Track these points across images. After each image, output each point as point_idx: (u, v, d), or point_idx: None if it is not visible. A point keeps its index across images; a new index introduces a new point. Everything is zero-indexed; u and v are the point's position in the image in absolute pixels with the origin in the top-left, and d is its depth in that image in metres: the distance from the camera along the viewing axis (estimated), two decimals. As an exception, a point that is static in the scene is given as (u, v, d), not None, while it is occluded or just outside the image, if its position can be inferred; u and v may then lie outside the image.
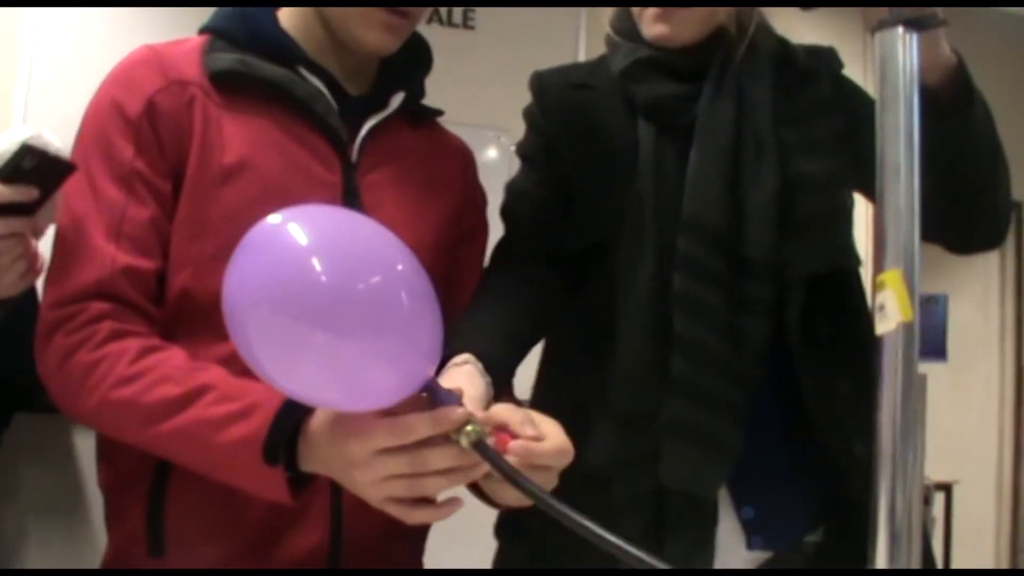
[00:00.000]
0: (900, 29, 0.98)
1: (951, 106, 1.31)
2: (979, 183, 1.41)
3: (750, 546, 1.43)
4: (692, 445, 1.37)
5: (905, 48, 0.98)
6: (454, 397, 1.06)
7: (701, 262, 1.40)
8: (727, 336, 1.39)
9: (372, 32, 1.40)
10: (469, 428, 1.03)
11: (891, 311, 0.94)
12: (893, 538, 0.93)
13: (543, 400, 1.44)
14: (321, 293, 0.97)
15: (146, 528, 1.33)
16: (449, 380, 1.18)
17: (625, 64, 1.53)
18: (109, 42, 4.68)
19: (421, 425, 1.05)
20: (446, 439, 1.05)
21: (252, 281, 1.01)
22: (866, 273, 4.56)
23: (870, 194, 1.52)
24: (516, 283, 1.47)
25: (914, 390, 0.94)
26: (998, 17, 6.02)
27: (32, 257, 1.38)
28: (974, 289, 6.86)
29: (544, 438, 1.14)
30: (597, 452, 1.39)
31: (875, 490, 0.94)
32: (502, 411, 1.16)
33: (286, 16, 1.46)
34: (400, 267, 1.03)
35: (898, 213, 0.96)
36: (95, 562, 3.43)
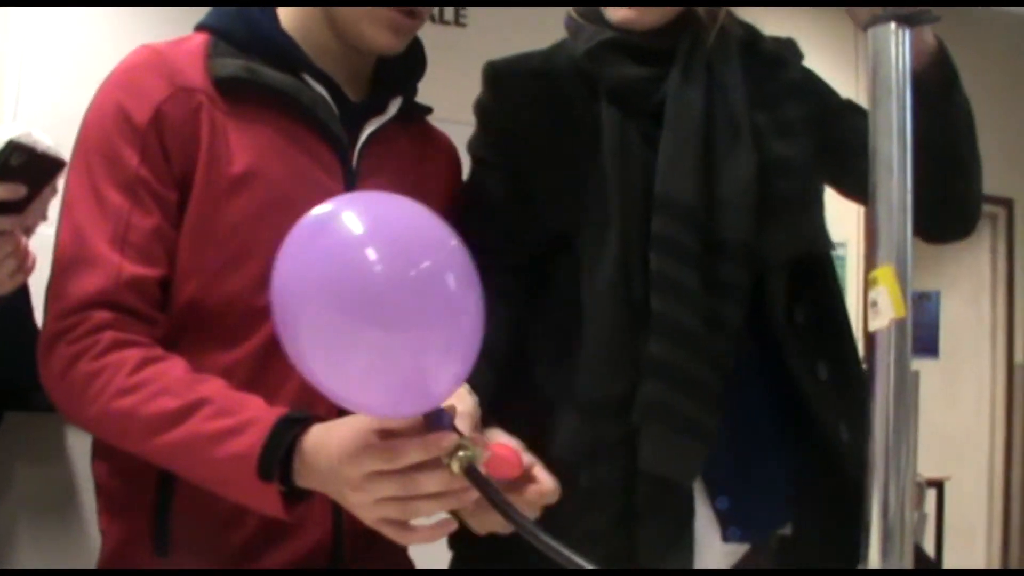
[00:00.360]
0: (892, 25, 0.98)
1: (935, 89, 1.32)
2: (958, 167, 1.42)
3: (726, 538, 1.41)
4: (672, 428, 1.34)
5: (898, 44, 0.98)
6: (448, 417, 1.06)
7: (676, 241, 1.38)
8: (703, 319, 1.37)
9: (382, 32, 1.40)
10: (461, 453, 1.02)
11: (884, 307, 0.94)
12: (886, 534, 0.94)
13: (505, 400, 1.38)
14: (375, 284, 0.95)
15: (152, 526, 1.32)
16: None
17: (589, 46, 1.49)
18: (101, 38, 4.68)
19: (412, 450, 1.05)
20: (439, 463, 1.04)
21: (305, 274, 0.99)
22: (857, 266, 4.55)
23: (834, 183, 1.54)
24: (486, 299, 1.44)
25: (907, 386, 0.94)
26: (997, 16, 6.03)
27: (22, 256, 1.37)
28: (966, 286, 6.88)
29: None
30: (563, 444, 1.37)
31: (868, 486, 0.94)
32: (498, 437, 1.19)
33: (287, 16, 1.44)
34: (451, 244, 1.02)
35: (890, 209, 0.96)
36: (88, 560, 3.40)
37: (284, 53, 1.40)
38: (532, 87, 1.52)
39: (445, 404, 1.07)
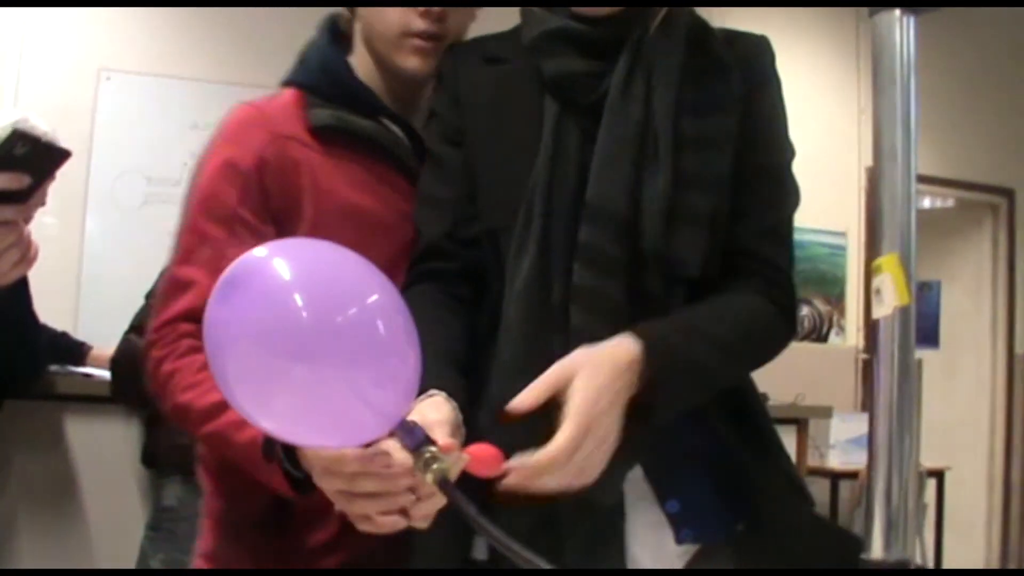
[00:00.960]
0: (897, 12, 0.97)
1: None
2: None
3: (679, 540, 1.39)
4: None
5: (902, 31, 0.97)
6: (418, 431, 1.06)
7: (602, 251, 1.35)
8: (624, 330, 1.31)
9: (409, 59, 1.56)
10: (436, 466, 1.03)
11: (888, 295, 0.93)
12: (888, 524, 0.93)
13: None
14: (301, 328, 0.97)
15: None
16: (417, 412, 1.16)
17: (533, 36, 1.46)
18: (100, 26, 4.67)
19: (353, 463, 1.13)
20: (411, 473, 1.08)
21: (233, 319, 1.01)
22: (857, 256, 4.53)
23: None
24: (444, 308, 1.44)
25: (910, 375, 0.93)
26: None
27: (25, 246, 1.37)
28: (967, 276, 6.88)
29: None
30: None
31: (871, 475, 0.93)
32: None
33: (358, 64, 1.63)
34: (376, 298, 1.03)
35: (894, 197, 0.95)
36: (86, 546, 3.42)
37: (364, 100, 1.59)
38: (484, 75, 1.50)
39: (418, 417, 1.11)
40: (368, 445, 1.11)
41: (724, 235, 1.41)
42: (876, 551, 0.94)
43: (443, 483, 1.03)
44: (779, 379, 5.76)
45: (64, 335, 3.88)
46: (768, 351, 1.45)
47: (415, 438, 1.05)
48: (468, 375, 1.37)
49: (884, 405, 0.94)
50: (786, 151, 1.48)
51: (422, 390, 1.20)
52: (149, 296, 3.40)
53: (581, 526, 1.34)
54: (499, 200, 1.44)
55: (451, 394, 1.25)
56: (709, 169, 1.39)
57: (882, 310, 0.94)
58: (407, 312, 1.06)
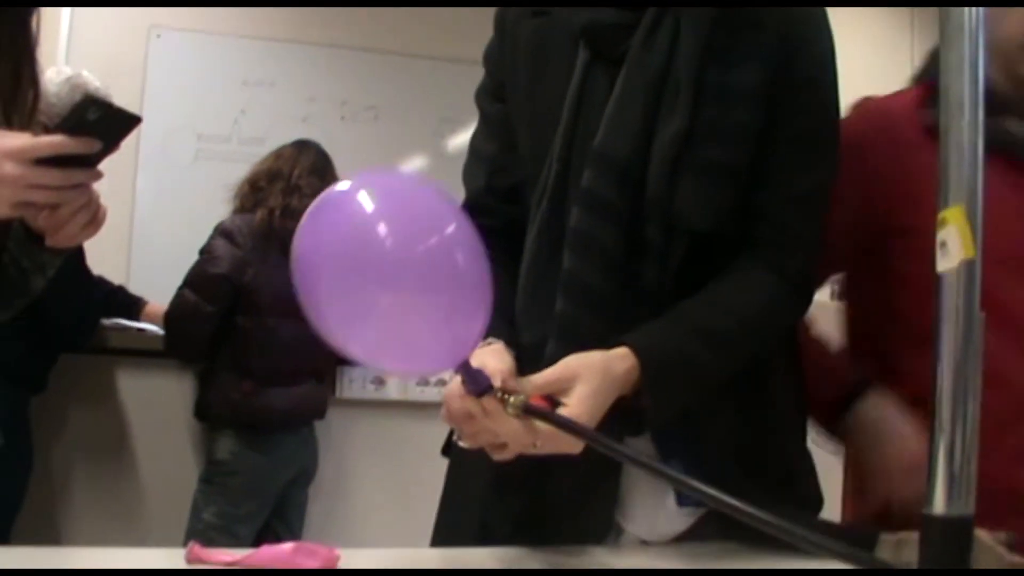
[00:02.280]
0: (966, -33, 0.95)
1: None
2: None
3: (680, 502, 1.40)
4: None
5: (972, -16, 0.95)
6: (481, 376, 1.13)
7: (603, 198, 1.35)
8: (618, 279, 1.34)
9: None
10: (512, 399, 1.12)
11: (953, 248, 0.92)
12: (951, 479, 0.92)
13: None
14: (384, 255, 1.02)
15: None
16: (478, 358, 1.20)
17: None
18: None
19: (454, 404, 1.17)
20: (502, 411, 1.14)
21: (320, 244, 1.05)
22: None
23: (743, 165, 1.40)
24: (495, 264, 1.45)
25: (974, 328, 0.92)
26: None
27: (94, 209, 1.39)
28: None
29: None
30: None
31: (934, 430, 0.92)
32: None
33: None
34: (454, 227, 1.07)
35: (960, 149, 0.94)
36: (139, 499, 3.46)
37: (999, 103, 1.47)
38: (529, 27, 1.49)
39: (479, 363, 1.16)
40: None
41: (745, 194, 1.38)
42: (938, 506, 0.93)
43: (527, 409, 1.12)
44: (831, 337, 5.71)
45: (121, 289, 3.92)
46: (774, 333, 1.43)
47: (479, 385, 1.12)
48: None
49: (947, 359, 0.92)
50: (828, 115, 1.43)
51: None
52: (203, 252, 3.43)
53: (565, 476, 1.36)
54: (531, 151, 1.45)
55: (507, 343, 1.29)
56: (729, 121, 1.35)
57: (947, 263, 0.92)
58: (481, 245, 1.09)
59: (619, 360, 1.24)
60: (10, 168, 1.30)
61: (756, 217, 1.39)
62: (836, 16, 1.44)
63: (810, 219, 1.42)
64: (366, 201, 1.05)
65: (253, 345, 3.35)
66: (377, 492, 3.96)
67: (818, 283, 1.48)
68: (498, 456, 1.19)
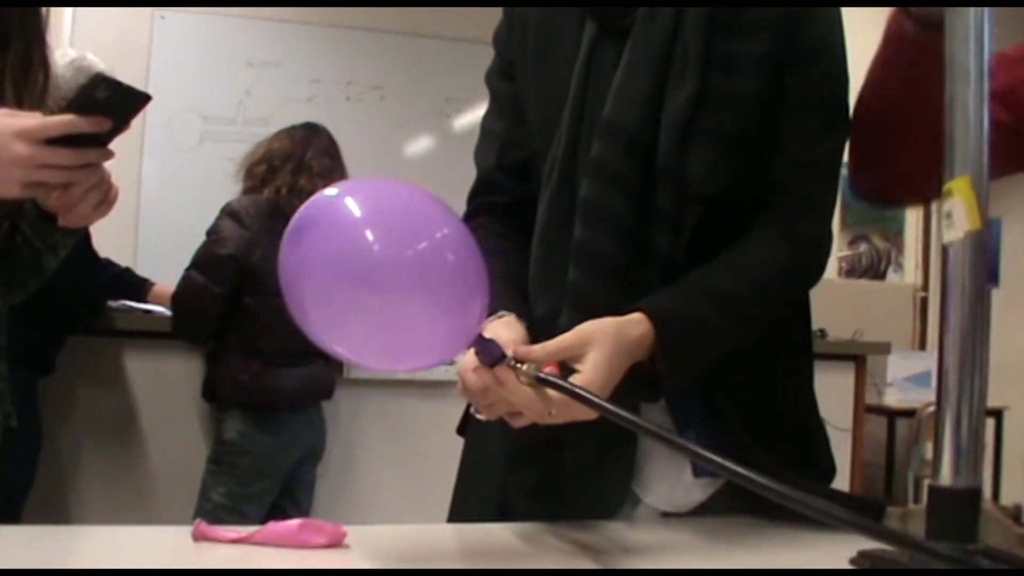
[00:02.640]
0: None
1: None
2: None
3: (696, 472, 1.40)
4: None
5: (976, -51, 0.94)
6: (493, 346, 1.14)
7: (612, 168, 1.35)
8: (630, 247, 1.35)
9: None
10: (524, 367, 1.12)
11: (959, 219, 0.91)
12: (957, 451, 0.92)
13: None
14: (373, 260, 1.03)
15: None
16: (491, 331, 1.22)
17: None
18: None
19: (468, 378, 1.18)
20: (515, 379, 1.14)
21: (307, 254, 1.07)
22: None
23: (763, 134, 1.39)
24: (503, 238, 1.49)
25: (981, 301, 0.92)
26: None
27: (106, 188, 1.39)
28: (1028, 213, 6.76)
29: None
30: None
31: (940, 402, 0.92)
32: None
33: None
34: (446, 231, 1.08)
35: (967, 119, 0.93)
36: (150, 480, 3.47)
37: None
38: (536, 9, 1.50)
39: (493, 335, 1.17)
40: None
41: (757, 161, 1.38)
42: (944, 478, 0.94)
43: (538, 378, 1.12)
44: (837, 316, 5.71)
45: (128, 271, 3.93)
46: (786, 297, 1.43)
47: (492, 355, 1.13)
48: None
49: (955, 333, 0.92)
50: (837, 83, 1.42)
51: (491, 312, 1.27)
52: (210, 233, 3.43)
53: (589, 440, 1.36)
54: (540, 126, 1.46)
55: (519, 316, 1.30)
56: (737, 88, 1.35)
57: (953, 234, 0.92)
58: (476, 247, 1.09)
59: (632, 325, 1.24)
60: (21, 148, 1.30)
61: (767, 183, 1.39)
62: (848, 27, 1.44)
63: (821, 184, 1.41)
64: (353, 208, 1.06)
65: (261, 326, 3.34)
66: (386, 471, 3.97)
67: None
68: (516, 424, 1.19)
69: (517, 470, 1.42)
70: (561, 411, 1.15)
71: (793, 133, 1.38)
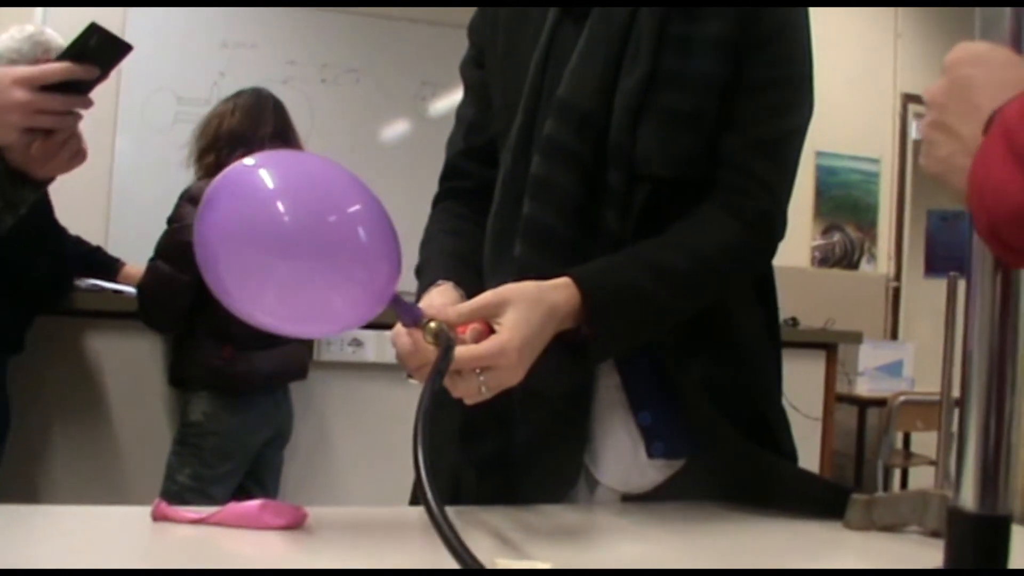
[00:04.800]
0: None
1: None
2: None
3: (650, 453, 1.40)
4: None
5: None
6: (409, 306, 1.16)
7: (563, 145, 1.35)
8: (577, 224, 1.35)
9: None
10: (432, 325, 1.14)
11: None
12: (984, 471, 0.85)
13: None
14: (285, 229, 1.06)
15: None
16: (425, 300, 1.27)
17: None
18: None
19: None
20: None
21: (225, 220, 1.09)
22: (891, 181, 4.45)
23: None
24: (464, 220, 1.51)
25: (1014, 289, 0.86)
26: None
27: (79, 139, 1.43)
28: None
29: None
30: None
31: (964, 408, 0.86)
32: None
33: None
34: (357, 206, 1.11)
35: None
36: (118, 461, 3.43)
37: None
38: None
39: (425, 304, 1.24)
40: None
41: (712, 142, 1.38)
42: (967, 501, 0.86)
43: (438, 334, 1.13)
44: (809, 304, 5.72)
45: (99, 250, 3.91)
46: (734, 275, 1.42)
47: (412, 316, 1.16)
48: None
49: (982, 328, 0.85)
50: (796, 64, 1.41)
51: (432, 283, 1.32)
52: (171, 220, 3.35)
53: (538, 413, 1.37)
54: (502, 107, 1.48)
55: (459, 284, 1.31)
56: (691, 69, 1.35)
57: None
58: (386, 220, 1.12)
59: (556, 289, 1.24)
60: (20, 94, 1.36)
61: (719, 162, 1.38)
62: (821, 16, 1.43)
63: (773, 163, 1.40)
64: (267, 179, 1.09)
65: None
66: (355, 453, 3.96)
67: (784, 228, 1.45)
68: (454, 393, 1.17)
69: (467, 446, 1.42)
70: (490, 378, 1.15)
71: (746, 112, 1.37)
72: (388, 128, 5.45)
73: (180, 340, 3.47)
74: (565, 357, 1.26)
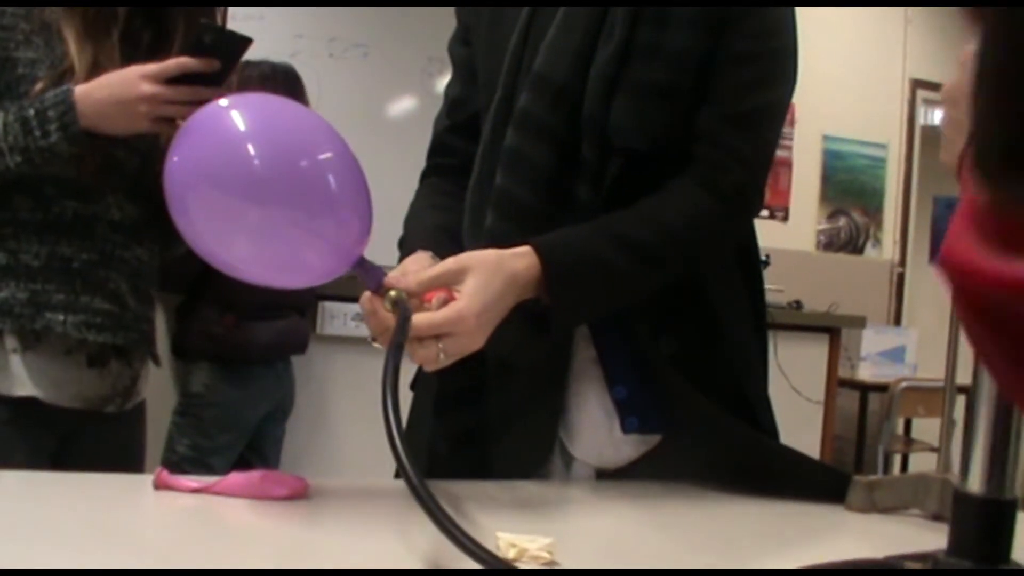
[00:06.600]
0: None
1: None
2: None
3: (625, 428, 1.40)
4: None
5: None
6: (374, 270, 1.16)
7: (537, 118, 1.36)
8: (549, 196, 1.36)
9: None
10: (392, 293, 1.15)
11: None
12: (993, 452, 0.87)
13: None
14: (255, 173, 1.07)
15: None
16: (400, 268, 1.26)
17: None
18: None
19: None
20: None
21: (194, 161, 1.10)
22: (898, 167, 4.43)
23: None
24: (448, 195, 1.52)
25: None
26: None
27: None
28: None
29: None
30: None
31: (975, 392, 0.87)
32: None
33: None
34: (329, 154, 1.11)
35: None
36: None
37: None
38: None
39: (399, 272, 1.23)
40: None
41: (688, 116, 1.37)
42: (974, 484, 0.88)
43: (396, 303, 1.14)
44: (814, 288, 5.70)
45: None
46: (704, 249, 1.41)
47: (375, 279, 1.16)
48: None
49: None
50: (778, 37, 1.40)
51: (411, 252, 1.32)
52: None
53: (512, 384, 1.38)
54: (485, 82, 1.48)
55: (439, 255, 1.29)
56: (666, 43, 1.35)
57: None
58: (358, 171, 1.13)
59: (517, 257, 1.24)
60: (146, 87, 1.61)
61: (695, 136, 1.37)
62: (830, 11, 1.42)
63: (749, 137, 1.38)
64: (238, 121, 1.10)
65: (235, 278, 3.29)
66: (356, 427, 3.96)
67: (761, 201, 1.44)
68: (414, 359, 1.18)
69: (440, 416, 1.43)
70: (449, 345, 1.15)
71: (723, 85, 1.36)
72: (395, 103, 5.44)
73: (183, 309, 3.48)
74: (529, 326, 1.27)
